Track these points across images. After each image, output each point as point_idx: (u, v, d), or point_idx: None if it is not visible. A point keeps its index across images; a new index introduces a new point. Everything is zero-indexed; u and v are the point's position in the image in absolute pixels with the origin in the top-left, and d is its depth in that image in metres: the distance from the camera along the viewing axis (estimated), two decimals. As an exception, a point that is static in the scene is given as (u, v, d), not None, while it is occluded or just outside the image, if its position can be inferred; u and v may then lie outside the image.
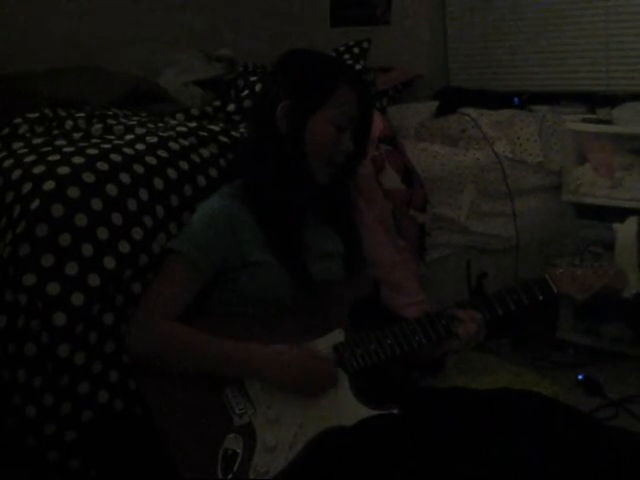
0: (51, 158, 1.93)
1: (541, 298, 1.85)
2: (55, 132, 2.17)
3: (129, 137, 2.11)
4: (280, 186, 1.92)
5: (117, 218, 1.89)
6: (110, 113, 2.37)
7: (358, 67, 2.89)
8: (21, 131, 2.17)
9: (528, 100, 3.81)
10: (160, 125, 2.25)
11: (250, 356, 1.75)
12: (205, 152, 2.14)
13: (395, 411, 1.73)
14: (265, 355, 1.75)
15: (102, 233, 1.86)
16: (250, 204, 1.90)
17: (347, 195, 2.08)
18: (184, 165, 2.07)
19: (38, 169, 1.89)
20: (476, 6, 4.16)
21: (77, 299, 1.79)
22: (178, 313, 1.81)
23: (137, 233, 1.91)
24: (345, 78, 1.94)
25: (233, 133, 2.27)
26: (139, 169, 1.98)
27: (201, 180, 2.08)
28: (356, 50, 3.02)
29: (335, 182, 1.98)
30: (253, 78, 2.68)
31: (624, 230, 3.07)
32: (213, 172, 2.12)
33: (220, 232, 1.86)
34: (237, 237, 1.86)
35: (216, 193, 1.96)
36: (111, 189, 1.91)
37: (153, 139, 2.10)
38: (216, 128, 2.26)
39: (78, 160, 1.92)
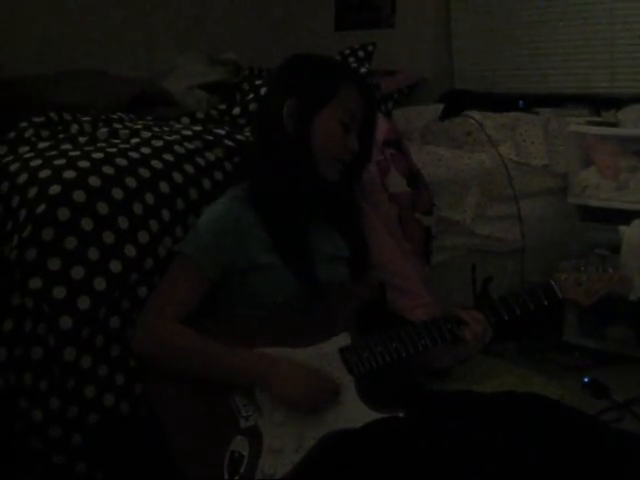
0: (57, 162, 1.93)
1: (546, 303, 1.85)
2: (61, 136, 2.18)
3: (135, 141, 2.11)
4: (287, 188, 1.92)
5: (123, 222, 1.89)
6: (116, 117, 2.37)
7: (363, 70, 2.89)
8: (27, 135, 2.17)
9: (533, 103, 3.80)
10: (165, 129, 2.25)
11: (254, 369, 1.75)
12: (210, 156, 2.15)
13: (401, 414, 1.73)
14: (270, 371, 1.74)
15: (108, 237, 1.86)
16: (257, 206, 1.91)
17: (353, 198, 2.09)
18: (190, 169, 2.07)
19: (44, 173, 1.89)
20: (480, 9, 4.16)
21: (83, 303, 1.80)
22: (184, 315, 1.82)
23: (143, 237, 1.92)
24: (348, 77, 1.97)
25: (238, 137, 2.27)
26: (145, 173, 1.98)
27: (206, 184, 2.08)
28: (361, 53, 3.02)
29: (342, 182, 1.98)
30: (258, 82, 2.68)
31: (630, 232, 3.06)
32: (219, 176, 2.12)
33: (227, 235, 1.86)
34: (244, 240, 1.87)
35: (223, 196, 1.97)
36: (117, 193, 1.91)
37: (159, 143, 2.10)
38: (221, 132, 2.27)
39: (84, 164, 1.93)
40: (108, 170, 1.93)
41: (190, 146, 2.13)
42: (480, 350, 1.94)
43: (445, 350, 1.90)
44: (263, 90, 2.54)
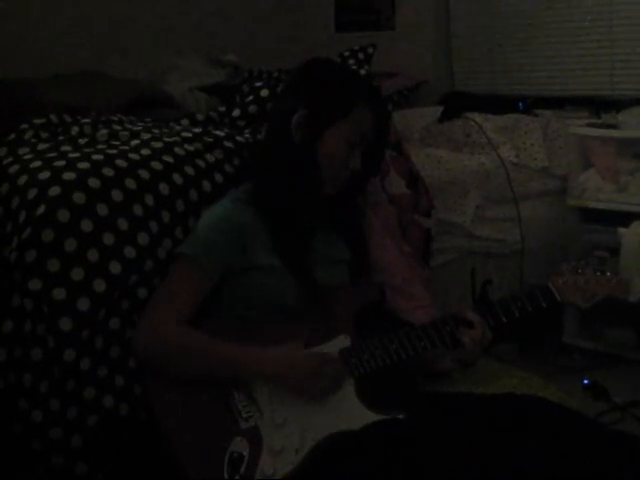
0: (57, 164, 1.93)
1: (545, 306, 1.86)
2: (61, 138, 2.18)
3: (134, 143, 2.12)
4: (289, 193, 1.92)
5: (123, 223, 1.90)
6: (115, 119, 2.37)
7: (362, 72, 2.89)
8: (27, 137, 2.18)
9: (533, 105, 3.81)
10: (165, 131, 2.25)
11: (256, 358, 1.76)
12: (210, 157, 2.15)
13: (400, 416, 1.73)
14: (271, 357, 1.75)
15: (108, 238, 1.86)
16: (259, 209, 1.91)
17: (354, 202, 2.09)
18: (189, 170, 2.07)
19: (44, 175, 1.89)
20: (480, 11, 4.16)
21: (83, 304, 1.80)
22: (185, 316, 1.82)
23: (143, 238, 1.92)
24: (365, 97, 1.94)
25: (238, 138, 2.27)
26: (144, 174, 1.99)
27: (206, 185, 2.08)
28: (361, 55, 3.01)
29: (343, 194, 1.98)
30: (258, 84, 2.68)
31: (629, 234, 3.06)
32: (218, 177, 2.12)
33: (228, 236, 1.87)
34: (245, 241, 1.87)
35: (225, 197, 1.97)
36: (117, 195, 1.91)
37: (158, 144, 2.10)
38: (221, 133, 2.27)
39: (84, 166, 1.93)
40: (108, 172, 1.93)
41: (190, 148, 2.13)
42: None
43: (446, 353, 1.90)
44: (263, 92, 2.54)
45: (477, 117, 3.57)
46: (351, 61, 2.97)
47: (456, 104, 3.87)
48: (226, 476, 1.65)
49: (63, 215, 1.82)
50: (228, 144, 2.22)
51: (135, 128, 2.25)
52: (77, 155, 1.98)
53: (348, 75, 2.06)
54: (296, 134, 1.92)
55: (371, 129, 1.95)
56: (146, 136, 2.16)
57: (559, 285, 1.87)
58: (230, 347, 1.78)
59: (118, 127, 2.26)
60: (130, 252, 1.89)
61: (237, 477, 1.65)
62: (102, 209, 1.87)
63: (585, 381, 3.12)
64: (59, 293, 1.79)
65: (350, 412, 1.74)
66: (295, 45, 4.34)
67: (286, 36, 4.48)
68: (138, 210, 1.93)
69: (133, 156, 2.02)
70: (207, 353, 1.78)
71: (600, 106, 3.61)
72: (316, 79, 1.98)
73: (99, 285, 1.83)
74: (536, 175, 3.45)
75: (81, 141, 2.15)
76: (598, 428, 1.76)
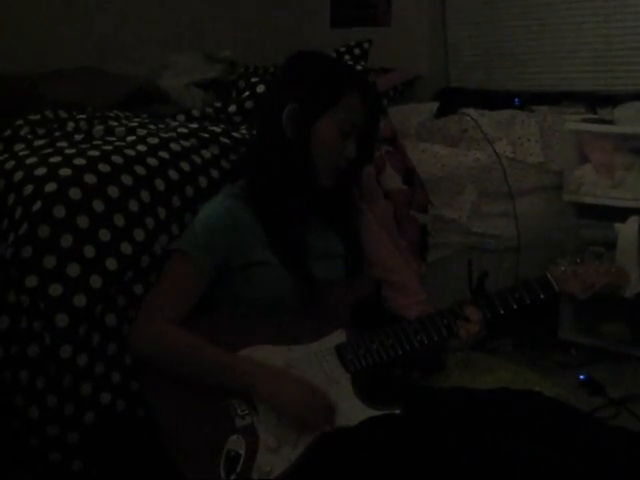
0: (53, 160, 1.93)
1: (542, 297, 1.84)
2: (56, 134, 2.18)
3: (130, 138, 2.11)
4: (284, 188, 1.92)
5: (119, 219, 1.89)
6: (111, 115, 2.37)
7: (359, 68, 2.89)
8: (23, 133, 2.17)
9: (529, 100, 3.81)
10: (161, 126, 2.25)
11: (249, 375, 1.73)
12: (206, 153, 2.14)
13: (397, 411, 1.73)
14: (267, 382, 1.72)
15: (104, 234, 1.86)
16: (253, 205, 1.91)
17: (349, 196, 2.08)
18: (185, 166, 2.07)
19: (40, 171, 1.89)
20: (476, 7, 4.16)
21: (79, 300, 1.79)
22: (181, 314, 1.82)
23: (139, 234, 1.92)
24: (353, 84, 1.94)
25: (234, 134, 2.27)
26: (140, 170, 1.98)
27: (202, 181, 2.08)
28: (357, 51, 3.02)
29: (339, 186, 1.98)
30: (254, 79, 2.68)
31: (625, 230, 3.07)
32: (214, 173, 2.12)
33: (223, 232, 1.86)
34: (240, 237, 1.87)
35: (219, 193, 1.97)
36: (113, 190, 1.91)
37: (154, 140, 2.10)
38: (217, 129, 2.26)
39: (80, 162, 1.92)
40: (104, 168, 1.93)
41: (186, 144, 2.13)
42: (475, 347, 1.93)
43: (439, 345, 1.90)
44: (259, 87, 2.54)
45: (473, 113, 3.57)
46: (347, 56, 2.98)
47: (452, 100, 3.87)
48: (223, 475, 1.65)
49: (59, 211, 1.82)
50: (224, 140, 2.22)
51: (131, 124, 2.25)
52: (73, 151, 1.98)
53: (333, 64, 2.06)
54: (287, 129, 1.91)
55: (362, 116, 1.94)
56: (142, 132, 2.16)
57: (557, 274, 1.85)
58: (223, 354, 1.76)
59: (114, 123, 2.26)
60: (126, 248, 1.89)
61: (233, 476, 1.64)
62: (98, 205, 1.87)
63: (581, 376, 3.13)
64: (55, 289, 1.78)
65: (347, 408, 1.74)
66: (291, 40, 4.33)
67: (282, 31, 4.47)
68: (134, 206, 1.93)
69: (129, 152, 2.02)
70: (197, 357, 1.76)
71: (596, 101, 3.61)
72: (301, 72, 1.97)
73: (95, 281, 1.82)
74: (532, 170, 3.45)
75: (77, 137, 2.15)
76: (593, 423, 1.76)
